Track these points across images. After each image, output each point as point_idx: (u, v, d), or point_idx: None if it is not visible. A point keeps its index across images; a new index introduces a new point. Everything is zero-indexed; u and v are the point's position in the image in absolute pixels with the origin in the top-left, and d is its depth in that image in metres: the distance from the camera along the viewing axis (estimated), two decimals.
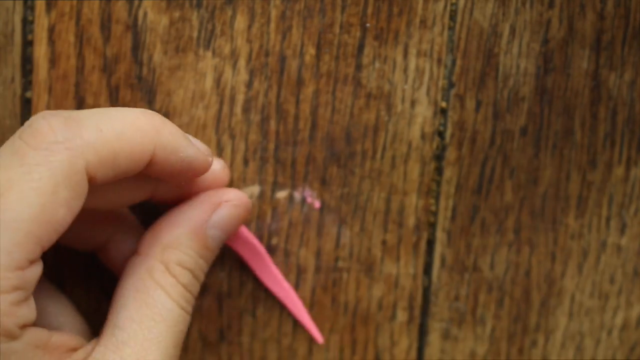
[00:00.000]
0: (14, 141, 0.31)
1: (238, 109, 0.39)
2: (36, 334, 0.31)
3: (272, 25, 0.39)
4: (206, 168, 0.35)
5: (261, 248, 0.40)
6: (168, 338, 0.33)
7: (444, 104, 0.40)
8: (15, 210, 0.29)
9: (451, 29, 0.39)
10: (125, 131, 0.31)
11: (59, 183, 0.30)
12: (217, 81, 0.39)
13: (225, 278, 0.41)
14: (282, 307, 0.41)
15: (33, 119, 0.31)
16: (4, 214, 0.29)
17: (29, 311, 0.30)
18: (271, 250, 0.41)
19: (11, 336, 0.30)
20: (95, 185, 0.31)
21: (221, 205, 0.36)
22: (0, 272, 0.29)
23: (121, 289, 0.34)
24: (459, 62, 0.39)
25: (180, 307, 0.34)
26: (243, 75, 0.39)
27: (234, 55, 0.39)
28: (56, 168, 0.30)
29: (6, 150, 0.30)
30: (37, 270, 0.30)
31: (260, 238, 0.40)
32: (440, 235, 0.41)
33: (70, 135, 0.30)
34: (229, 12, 0.38)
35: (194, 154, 0.34)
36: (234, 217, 0.36)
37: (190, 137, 0.35)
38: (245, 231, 0.39)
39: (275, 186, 0.40)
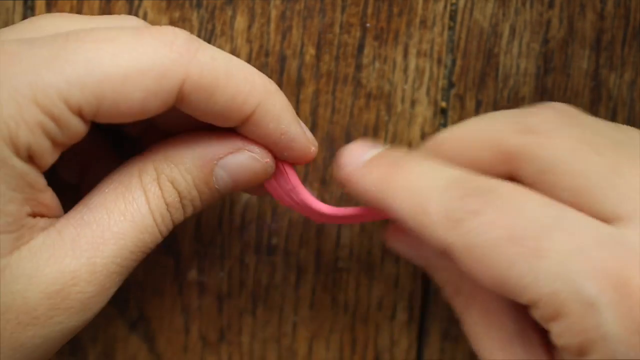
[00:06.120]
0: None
1: None
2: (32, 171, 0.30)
3: (272, 25, 0.39)
4: (306, 155, 0.34)
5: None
6: (129, 240, 0.32)
7: (444, 104, 0.40)
8: None
9: (451, 29, 0.39)
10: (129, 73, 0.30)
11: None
12: None
13: (225, 278, 0.41)
14: (281, 308, 0.41)
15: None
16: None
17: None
18: (271, 250, 0.41)
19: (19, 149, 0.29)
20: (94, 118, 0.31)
21: (241, 151, 0.33)
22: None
23: (109, 176, 0.33)
24: (459, 62, 0.39)
25: (154, 220, 0.32)
26: None
27: (233, 55, 0.39)
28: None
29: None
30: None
31: (260, 238, 0.40)
32: None
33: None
34: (229, 12, 0.38)
35: (296, 134, 0.33)
36: (247, 168, 0.33)
37: (302, 123, 0.34)
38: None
39: None
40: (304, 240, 0.41)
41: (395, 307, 0.41)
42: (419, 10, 0.39)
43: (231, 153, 0.33)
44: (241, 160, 0.33)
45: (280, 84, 0.39)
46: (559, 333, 0.29)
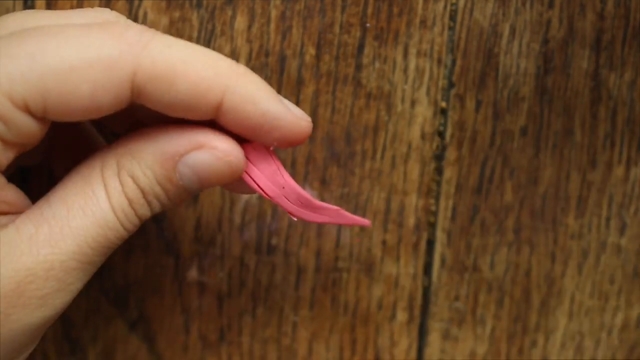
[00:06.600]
0: None
1: None
2: None
3: (272, 25, 0.39)
4: (299, 132, 0.32)
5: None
6: (89, 236, 0.31)
7: (444, 104, 0.40)
8: None
9: (451, 29, 0.39)
10: (74, 66, 0.29)
11: None
12: None
13: (225, 278, 0.41)
14: (281, 308, 0.41)
15: None
16: None
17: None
18: (271, 250, 0.41)
19: None
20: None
21: (204, 148, 0.32)
22: None
23: (74, 169, 0.32)
24: (459, 62, 0.39)
25: (115, 215, 0.31)
26: None
27: (234, 55, 0.39)
28: None
29: None
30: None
31: (260, 238, 0.40)
32: (440, 235, 0.41)
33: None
34: (229, 12, 0.38)
35: (279, 111, 0.31)
36: (211, 168, 0.32)
37: (285, 100, 0.32)
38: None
39: None
40: (304, 240, 0.41)
41: (395, 307, 0.41)
42: (419, 10, 0.39)
43: (193, 150, 0.32)
44: (203, 158, 0.32)
45: (280, 84, 0.39)
46: None
